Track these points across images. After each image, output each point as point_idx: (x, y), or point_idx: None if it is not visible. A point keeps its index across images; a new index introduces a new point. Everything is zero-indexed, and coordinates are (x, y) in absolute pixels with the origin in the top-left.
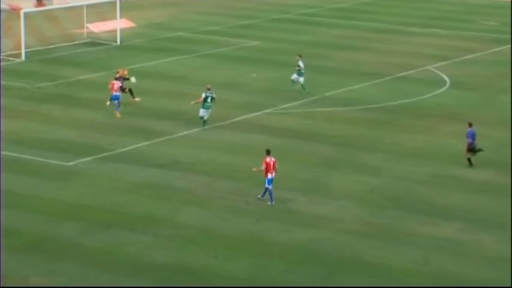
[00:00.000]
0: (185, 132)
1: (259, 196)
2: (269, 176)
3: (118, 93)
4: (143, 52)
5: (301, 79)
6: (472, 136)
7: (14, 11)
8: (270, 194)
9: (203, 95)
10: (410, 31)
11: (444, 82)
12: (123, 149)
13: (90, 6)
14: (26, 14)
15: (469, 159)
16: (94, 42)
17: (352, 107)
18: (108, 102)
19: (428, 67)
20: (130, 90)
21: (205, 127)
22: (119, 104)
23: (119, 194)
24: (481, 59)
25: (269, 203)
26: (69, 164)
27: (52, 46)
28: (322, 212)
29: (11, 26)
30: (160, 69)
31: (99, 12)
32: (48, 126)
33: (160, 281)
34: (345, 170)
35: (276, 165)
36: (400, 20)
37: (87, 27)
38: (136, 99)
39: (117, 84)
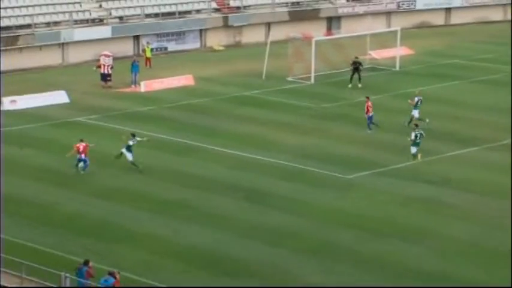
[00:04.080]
0: (457, 152)
1: None
2: None
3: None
4: (420, 77)
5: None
6: None
7: (306, 39)
8: None
9: (416, 99)
10: None
11: None
12: (397, 166)
13: (373, 35)
14: (316, 41)
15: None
16: (375, 67)
17: None
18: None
19: None
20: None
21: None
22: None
23: (392, 206)
24: None
25: None
26: (349, 177)
27: (337, 71)
28: None
29: (302, 53)
30: (436, 93)
31: (381, 41)
32: (331, 142)
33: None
34: None
35: None
36: None
37: (370, 54)
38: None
39: (83, 146)
